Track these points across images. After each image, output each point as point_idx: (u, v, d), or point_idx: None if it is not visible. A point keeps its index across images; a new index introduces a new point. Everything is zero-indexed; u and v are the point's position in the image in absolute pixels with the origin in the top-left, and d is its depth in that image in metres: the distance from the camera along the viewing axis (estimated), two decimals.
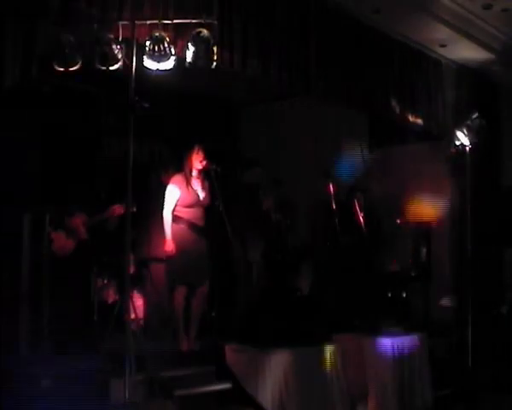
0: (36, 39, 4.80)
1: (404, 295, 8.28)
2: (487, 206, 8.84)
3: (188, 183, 6.16)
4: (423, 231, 8.98)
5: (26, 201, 4.35)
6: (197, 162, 6.20)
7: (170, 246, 6.03)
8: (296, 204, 8.48)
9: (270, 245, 7.58)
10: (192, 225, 6.15)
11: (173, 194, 6.11)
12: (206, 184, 6.28)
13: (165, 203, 6.10)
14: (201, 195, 6.23)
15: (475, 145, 8.11)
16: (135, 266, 7.24)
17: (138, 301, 6.82)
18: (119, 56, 4.90)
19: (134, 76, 4.90)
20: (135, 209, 6.25)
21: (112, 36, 4.90)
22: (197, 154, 6.20)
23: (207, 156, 6.24)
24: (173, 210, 6.10)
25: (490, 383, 7.56)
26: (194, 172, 6.24)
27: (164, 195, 6.18)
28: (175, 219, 6.10)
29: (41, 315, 5.20)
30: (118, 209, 6.39)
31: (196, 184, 6.24)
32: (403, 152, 9.19)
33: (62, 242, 6.18)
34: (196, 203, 6.19)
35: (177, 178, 6.17)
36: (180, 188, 6.13)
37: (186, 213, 6.14)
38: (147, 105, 4.87)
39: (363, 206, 8.11)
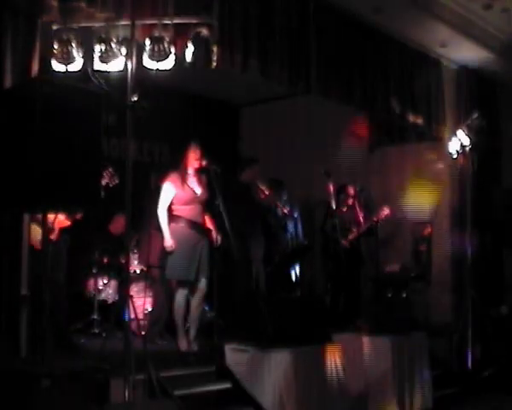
0: (36, 39, 4.80)
1: (404, 295, 8.28)
2: (487, 206, 8.84)
3: (183, 180, 6.16)
4: (423, 231, 8.99)
5: (25, 200, 4.34)
6: (194, 160, 6.20)
7: (168, 242, 6.04)
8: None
9: (273, 243, 7.59)
10: (191, 223, 6.15)
11: (168, 192, 6.13)
12: (203, 180, 6.28)
13: (160, 201, 6.11)
14: (198, 191, 6.23)
15: (475, 145, 8.12)
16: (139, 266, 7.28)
17: (138, 301, 6.82)
18: (119, 56, 4.90)
19: (134, 76, 4.89)
20: (117, 181, 6.32)
21: (112, 36, 4.90)
22: (194, 152, 6.20)
23: (207, 156, 6.23)
24: (169, 208, 6.11)
25: (490, 383, 7.56)
26: (191, 170, 6.23)
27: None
28: (174, 218, 6.11)
29: (41, 315, 5.19)
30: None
31: (193, 182, 6.24)
32: (403, 152, 9.20)
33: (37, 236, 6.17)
34: (193, 200, 6.19)
35: (173, 176, 6.18)
36: (175, 186, 6.13)
37: (184, 212, 6.15)
38: (146, 105, 4.86)
39: (363, 205, 8.11)
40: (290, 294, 7.87)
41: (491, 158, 8.96)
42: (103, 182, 6.38)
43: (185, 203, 6.15)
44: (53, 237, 6.27)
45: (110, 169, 6.29)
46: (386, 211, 8.02)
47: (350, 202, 8.17)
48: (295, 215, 7.82)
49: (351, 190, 8.18)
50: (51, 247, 6.16)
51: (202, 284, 6.15)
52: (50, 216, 6.08)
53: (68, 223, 6.38)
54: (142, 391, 5.02)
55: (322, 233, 8.20)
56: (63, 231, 6.38)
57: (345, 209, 8.14)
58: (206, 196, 6.26)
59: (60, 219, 6.27)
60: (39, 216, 5.99)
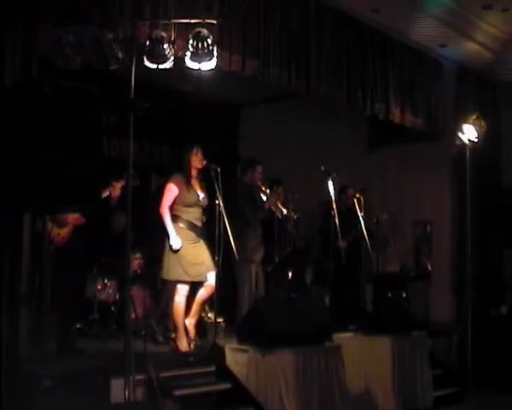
0: (36, 39, 4.80)
1: (404, 295, 8.28)
2: (487, 206, 8.84)
3: (188, 182, 6.17)
4: (423, 230, 9.00)
5: (25, 201, 4.35)
6: (196, 163, 6.21)
7: (174, 240, 6.02)
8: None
9: (273, 243, 7.58)
10: (191, 225, 6.15)
11: (172, 192, 6.13)
12: (204, 185, 6.29)
13: (163, 201, 6.11)
14: (201, 195, 6.25)
15: (475, 145, 8.13)
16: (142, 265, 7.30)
17: (139, 301, 6.83)
18: (119, 56, 4.89)
19: (134, 76, 4.90)
20: (138, 182, 6.35)
21: (112, 36, 4.89)
22: (196, 155, 6.21)
23: (207, 156, 6.24)
24: (171, 208, 6.11)
25: (490, 383, 7.56)
26: (194, 172, 6.24)
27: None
28: (174, 218, 6.11)
29: (41, 315, 5.21)
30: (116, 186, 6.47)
31: (196, 185, 6.25)
32: (403, 152, 9.20)
33: (54, 229, 6.22)
34: (196, 203, 6.20)
35: (177, 177, 6.19)
36: (179, 187, 6.13)
37: (185, 213, 6.15)
38: (147, 105, 4.86)
39: (362, 206, 8.11)
40: (290, 294, 7.87)
41: (491, 158, 8.97)
42: (123, 184, 6.42)
43: (187, 205, 6.16)
44: (66, 234, 6.29)
45: (132, 171, 6.31)
46: (385, 216, 8.08)
47: (350, 202, 8.17)
48: (295, 216, 7.83)
49: (351, 191, 8.19)
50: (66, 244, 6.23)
51: (210, 278, 6.13)
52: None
53: (83, 220, 6.38)
54: (142, 391, 5.02)
55: (321, 233, 8.20)
56: (77, 228, 6.39)
57: (345, 210, 8.15)
58: (207, 202, 6.27)
59: (74, 217, 6.27)
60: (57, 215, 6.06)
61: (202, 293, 6.17)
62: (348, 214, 8.09)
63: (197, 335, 6.29)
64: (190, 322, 6.18)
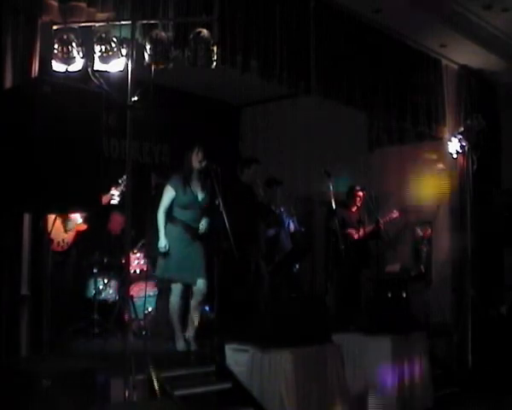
0: (36, 39, 4.80)
1: (404, 295, 8.29)
2: (487, 206, 8.85)
3: (185, 183, 6.16)
4: (423, 231, 8.99)
5: (25, 200, 4.34)
6: (197, 163, 6.20)
7: (162, 243, 6.07)
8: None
9: (272, 242, 7.59)
10: (186, 227, 6.15)
11: (168, 194, 6.14)
12: (207, 184, 6.27)
13: (161, 203, 6.15)
14: (200, 196, 6.23)
15: (475, 145, 8.13)
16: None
17: (139, 301, 6.82)
18: (119, 56, 4.89)
19: (134, 76, 4.89)
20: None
21: (112, 36, 4.89)
22: (197, 155, 6.20)
23: (207, 156, 6.23)
24: (169, 210, 6.12)
25: (490, 383, 7.56)
26: (195, 173, 6.23)
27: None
28: (171, 219, 6.14)
29: (41, 315, 5.20)
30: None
31: (196, 185, 6.24)
32: (403, 152, 9.20)
33: (61, 234, 6.25)
34: (193, 204, 6.18)
35: (174, 178, 6.19)
36: (176, 188, 6.14)
37: (181, 215, 6.16)
38: (146, 105, 4.86)
39: (371, 207, 8.16)
40: (290, 293, 7.87)
41: (491, 158, 8.97)
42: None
43: (183, 207, 6.16)
44: (70, 239, 6.35)
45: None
46: (395, 214, 8.10)
47: (359, 203, 8.23)
48: (294, 215, 7.84)
49: (359, 192, 8.23)
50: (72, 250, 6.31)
51: (199, 284, 6.13)
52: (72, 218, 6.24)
53: (85, 226, 6.43)
54: (142, 391, 5.01)
55: (326, 230, 8.23)
56: (79, 234, 6.44)
57: (354, 209, 8.22)
58: (209, 200, 6.26)
59: (78, 223, 6.34)
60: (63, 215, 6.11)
61: (193, 304, 6.19)
62: (356, 215, 8.14)
63: (196, 335, 6.28)
64: (190, 336, 6.17)
